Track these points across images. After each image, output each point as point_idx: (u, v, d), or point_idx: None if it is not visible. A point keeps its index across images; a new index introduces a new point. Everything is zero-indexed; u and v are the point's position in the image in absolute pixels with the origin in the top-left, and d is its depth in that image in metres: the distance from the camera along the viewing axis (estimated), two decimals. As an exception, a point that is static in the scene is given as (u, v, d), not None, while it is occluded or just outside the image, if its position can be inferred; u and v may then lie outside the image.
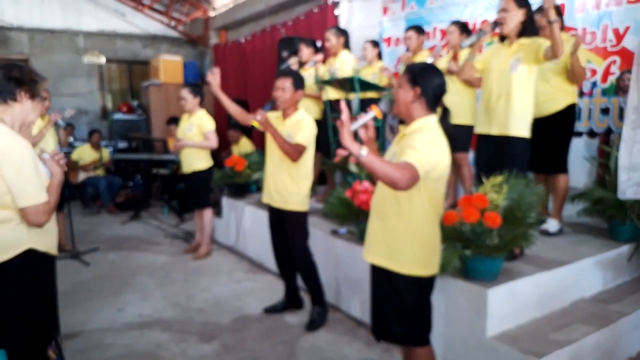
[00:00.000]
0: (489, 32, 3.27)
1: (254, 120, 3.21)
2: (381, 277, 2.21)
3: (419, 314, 2.19)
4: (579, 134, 4.27)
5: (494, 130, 3.24)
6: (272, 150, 3.36)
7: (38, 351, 2.13)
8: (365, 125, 2.14)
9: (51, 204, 2.07)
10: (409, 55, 4.59)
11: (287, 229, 3.43)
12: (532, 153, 3.40)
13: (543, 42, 3.02)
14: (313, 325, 3.42)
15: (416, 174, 1.88)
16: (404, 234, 2.10)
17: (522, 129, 3.16)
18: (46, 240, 2.12)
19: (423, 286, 2.18)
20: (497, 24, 3.20)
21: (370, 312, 2.33)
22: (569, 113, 3.60)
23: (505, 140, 3.18)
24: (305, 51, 5.14)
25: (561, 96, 3.57)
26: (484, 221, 2.63)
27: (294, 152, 3.19)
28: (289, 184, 3.31)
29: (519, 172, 2.90)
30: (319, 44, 5.34)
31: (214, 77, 3.43)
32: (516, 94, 3.12)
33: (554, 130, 3.58)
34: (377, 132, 2.42)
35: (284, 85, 3.25)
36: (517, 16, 3.12)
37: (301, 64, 5.18)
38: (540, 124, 3.53)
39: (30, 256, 2.04)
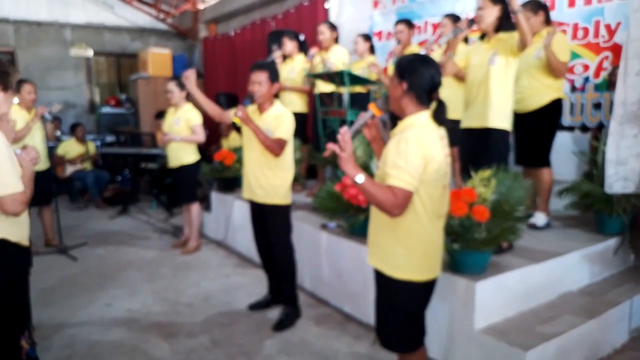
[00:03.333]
0: (465, 29, 3.36)
1: (235, 117, 3.15)
2: (378, 280, 2.15)
3: (411, 319, 2.11)
4: (571, 129, 4.29)
5: (474, 123, 3.29)
6: (251, 145, 3.30)
7: (11, 341, 2.13)
8: (368, 125, 2.13)
9: (27, 195, 2.07)
10: (400, 48, 4.59)
11: (270, 223, 3.38)
12: (518, 147, 3.43)
13: (517, 35, 3.07)
14: (281, 325, 3.35)
15: (406, 195, 1.88)
16: (395, 238, 2.02)
17: (501, 121, 3.21)
18: (18, 230, 2.12)
19: (417, 291, 2.08)
20: (473, 21, 3.28)
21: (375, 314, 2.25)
22: (554, 108, 3.62)
23: (485, 133, 3.23)
24: (289, 44, 5.12)
25: (546, 91, 3.59)
26: (472, 215, 2.64)
27: (276, 147, 3.16)
28: (271, 177, 3.27)
29: (499, 164, 2.92)
30: (302, 37, 5.31)
31: (188, 81, 3.39)
32: (494, 86, 3.17)
33: (538, 124, 3.61)
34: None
35: (260, 79, 3.19)
36: (493, 13, 3.19)
37: (285, 57, 5.15)
38: (525, 119, 3.61)
39: (2, 246, 2.04)
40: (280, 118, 3.22)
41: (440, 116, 2.04)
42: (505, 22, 3.19)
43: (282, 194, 3.31)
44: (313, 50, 5.00)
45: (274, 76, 3.26)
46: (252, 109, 3.31)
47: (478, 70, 3.26)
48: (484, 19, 3.22)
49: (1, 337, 2.09)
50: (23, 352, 2.17)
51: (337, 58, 4.86)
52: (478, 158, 3.11)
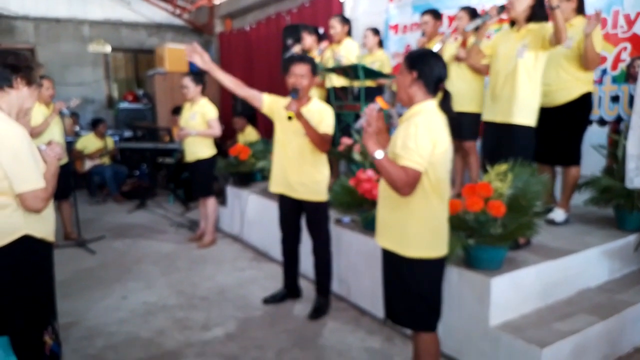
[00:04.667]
0: (495, 16, 3.21)
1: (289, 112, 3.00)
2: (389, 260, 2.24)
3: (425, 299, 2.19)
4: (589, 122, 4.20)
5: (498, 118, 3.19)
6: (288, 140, 3.25)
7: (35, 337, 2.14)
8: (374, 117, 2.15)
9: (49, 191, 2.07)
10: (424, 40, 4.52)
11: (311, 220, 3.39)
12: (542, 144, 3.31)
13: (550, 28, 2.94)
14: (317, 314, 3.41)
15: (416, 175, 2.01)
16: (406, 218, 2.12)
17: (526, 117, 3.10)
18: (43, 226, 2.13)
19: (431, 270, 2.18)
20: (503, 8, 3.14)
21: (382, 292, 2.35)
22: (584, 102, 3.46)
23: (508, 128, 3.13)
24: (308, 39, 5.10)
25: (576, 84, 3.43)
26: (488, 210, 2.60)
27: (325, 142, 3.14)
28: (315, 174, 3.26)
29: (522, 161, 2.85)
30: (321, 31, 5.29)
31: (194, 53, 3.12)
32: (521, 81, 3.05)
33: (568, 120, 3.46)
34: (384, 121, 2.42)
35: (302, 72, 3.14)
36: (525, 0, 3.05)
37: (304, 52, 5.14)
38: (552, 114, 3.45)
39: (27, 242, 2.05)
40: (323, 113, 3.20)
41: (447, 105, 2.16)
42: (539, 11, 3.04)
43: (324, 190, 3.32)
44: (323, 45, 4.99)
45: (315, 69, 3.22)
46: (285, 102, 3.12)
47: (505, 62, 3.13)
48: (515, 6, 3.07)
49: (25, 332, 2.11)
50: (47, 348, 2.18)
51: (348, 51, 4.84)
52: (500, 154, 3.01)
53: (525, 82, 3.06)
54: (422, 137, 2.00)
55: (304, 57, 3.30)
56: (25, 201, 2.00)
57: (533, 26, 3.07)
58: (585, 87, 3.46)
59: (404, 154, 2.00)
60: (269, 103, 3.29)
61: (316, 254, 3.45)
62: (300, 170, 3.25)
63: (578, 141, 3.56)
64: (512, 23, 3.23)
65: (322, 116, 3.18)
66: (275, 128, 3.37)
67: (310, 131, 3.08)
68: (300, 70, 3.14)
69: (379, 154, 2.01)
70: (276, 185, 3.41)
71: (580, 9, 3.50)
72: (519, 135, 3.12)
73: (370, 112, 2.07)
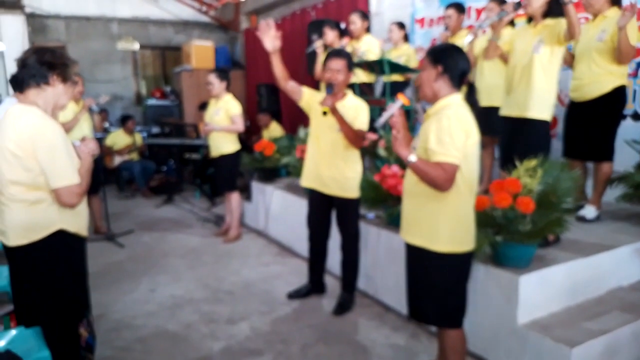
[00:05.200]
0: (511, 12, 3.22)
1: (324, 106, 3.01)
2: (416, 257, 2.23)
3: (452, 295, 2.19)
4: (623, 117, 4.06)
5: (514, 112, 3.19)
6: (322, 135, 3.24)
7: (70, 329, 2.19)
8: (396, 114, 2.14)
9: (83, 187, 2.11)
10: (448, 34, 4.46)
11: (342, 216, 3.39)
12: (573, 138, 3.26)
13: (565, 23, 2.92)
14: (341, 309, 3.41)
15: (454, 169, 2.00)
16: (438, 213, 2.12)
17: (541, 112, 3.08)
18: (77, 221, 2.17)
19: (459, 265, 2.18)
20: (519, 4, 3.14)
21: (406, 290, 2.34)
22: (617, 96, 3.37)
23: (523, 122, 3.12)
24: (330, 34, 5.09)
25: (608, 78, 3.34)
26: (517, 206, 2.55)
27: (359, 139, 3.13)
28: (346, 170, 3.25)
29: (537, 156, 2.79)
30: (342, 26, 5.26)
31: (267, 30, 3.08)
32: (537, 75, 3.05)
33: (600, 114, 3.38)
34: (408, 117, 2.41)
35: (339, 67, 3.12)
36: None
37: (326, 47, 5.13)
38: (584, 108, 3.39)
39: (61, 236, 2.09)
40: (358, 109, 3.18)
41: (472, 98, 2.16)
42: (555, 7, 3.02)
43: (355, 186, 3.31)
44: (344, 41, 4.96)
45: (351, 64, 3.21)
46: (321, 98, 3.13)
47: (522, 57, 3.14)
48: (531, 2, 3.08)
49: (61, 324, 2.16)
50: (82, 340, 2.24)
51: (369, 47, 4.80)
52: (516, 148, 3.01)
53: (541, 77, 3.05)
54: (455, 129, 2.00)
55: (341, 52, 3.26)
56: (61, 197, 2.04)
57: (549, 22, 3.06)
58: (619, 80, 3.36)
59: (439, 149, 2.00)
60: (307, 97, 3.29)
61: (345, 250, 3.45)
62: (332, 165, 3.24)
63: (611, 136, 3.46)
64: (530, 19, 3.22)
65: (358, 112, 3.16)
66: (311, 122, 3.36)
67: (345, 127, 3.06)
68: (336, 65, 3.12)
69: (412, 158, 2.01)
70: (307, 180, 3.42)
71: (615, 0, 3.39)
72: (534, 129, 3.11)
73: (396, 118, 2.07)
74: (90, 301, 2.41)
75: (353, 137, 3.09)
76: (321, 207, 3.43)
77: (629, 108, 4.03)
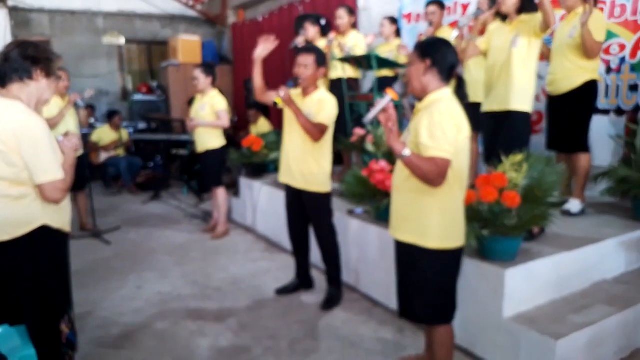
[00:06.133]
0: (487, 10, 3.28)
1: (277, 97, 3.11)
2: (406, 254, 2.22)
3: (443, 292, 2.19)
4: (606, 112, 4.12)
5: (495, 106, 3.24)
6: (292, 129, 3.28)
7: (52, 325, 2.17)
8: (385, 109, 2.13)
9: (67, 182, 2.09)
10: (432, 30, 4.49)
11: (309, 210, 3.40)
12: (551, 132, 3.33)
13: (540, 17, 2.97)
14: (329, 304, 3.42)
15: (446, 164, 1.99)
16: (428, 208, 2.11)
17: (522, 104, 3.14)
18: (60, 217, 2.15)
19: (450, 261, 2.18)
20: (494, 1, 3.19)
21: (396, 289, 2.34)
22: (588, 90, 3.46)
23: (505, 116, 3.17)
24: (311, 30, 5.08)
25: (578, 72, 3.44)
26: (503, 201, 2.57)
27: (317, 131, 3.14)
28: (312, 164, 3.26)
29: (519, 148, 2.83)
30: (323, 22, 5.24)
31: (266, 44, 3.26)
32: (516, 68, 3.10)
33: (572, 107, 3.47)
34: (396, 112, 2.40)
35: (306, 62, 3.17)
36: None
37: (307, 42, 5.11)
38: (557, 102, 3.50)
39: (44, 232, 2.07)
40: (323, 102, 3.20)
41: (462, 92, 2.17)
42: (528, 4, 3.11)
43: (320, 181, 3.30)
44: (331, 36, 4.95)
45: (321, 60, 3.23)
46: (297, 92, 3.29)
47: (500, 54, 3.19)
48: (505, 0, 3.15)
49: (42, 321, 2.14)
50: (63, 336, 2.21)
51: (355, 42, 4.80)
52: (499, 142, 3.07)
53: (520, 70, 3.11)
54: (447, 124, 2.00)
55: (311, 48, 3.33)
56: (45, 192, 2.02)
57: (524, 17, 3.13)
58: (589, 75, 3.46)
59: (432, 144, 1.99)
60: (277, 94, 3.31)
61: (320, 245, 3.47)
62: (300, 160, 3.27)
63: (583, 128, 3.55)
64: (504, 17, 3.27)
65: (322, 106, 3.18)
66: (284, 119, 3.39)
67: (301, 118, 3.11)
68: (305, 60, 3.18)
69: (407, 152, 1.99)
70: (282, 174, 3.45)
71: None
72: (516, 121, 3.16)
73: (389, 112, 2.05)
74: (72, 297, 2.38)
75: (310, 128, 3.12)
76: (295, 201, 3.45)
77: (613, 103, 4.09)
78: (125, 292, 3.79)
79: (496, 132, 3.22)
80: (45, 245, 2.09)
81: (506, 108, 3.16)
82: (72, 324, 2.28)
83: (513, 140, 2.99)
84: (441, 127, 1.98)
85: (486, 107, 3.36)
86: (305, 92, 3.25)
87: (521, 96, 3.13)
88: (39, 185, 2.01)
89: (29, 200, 2.03)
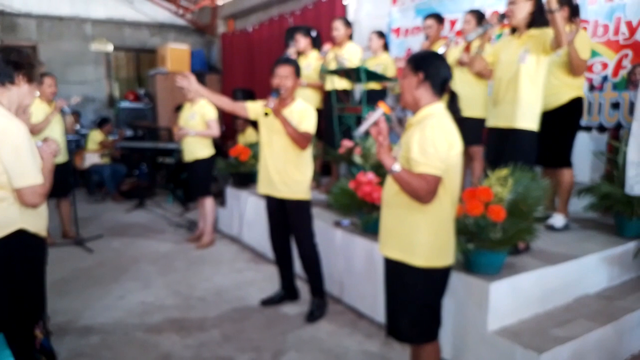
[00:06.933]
0: (496, 24, 3.24)
1: (266, 108, 3.12)
2: (394, 271, 2.18)
3: (428, 310, 2.16)
4: (588, 129, 4.20)
5: (501, 123, 3.19)
6: (272, 140, 3.29)
7: (26, 331, 2.15)
8: (377, 123, 2.12)
9: (46, 187, 2.10)
10: (428, 44, 4.54)
11: (293, 218, 3.39)
12: (538, 147, 3.36)
13: (551, 33, 2.94)
14: (312, 316, 3.41)
15: (436, 181, 1.97)
16: (418, 225, 2.06)
17: (529, 122, 3.10)
18: (37, 221, 2.14)
19: (437, 280, 2.14)
20: (504, 16, 3.16)
21: (385, 307, 2.30)
22: (574, 107, 3.53)
23: (511, 133, 3.13)
24: (302, 41, 5.10)
25: (565, 89, 3.51)
26: (488, 214, 2.59)
27: (303, 140, 3.17)
28: (295, 173, 3.28)
29: (525, 165, 2.84)
30: (314, 33, 5.28)
31: (189, 83, 3.22)
32: (524, 85, 3.06)
33: (558, 123, 3.52)
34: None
35: (286, 73, 3.21)
36: (525, 7, 3.06)
37: (298, 54, 5.14)
38: (544, 118, 3.51)
39: (21, 236, 2.07)
40: (304, 112, 3.24)
41: (454, 106, 2.13)
42: (538, 18, 3.06)
43: (305, 189, 3.33)
44: (326, 47, 4.97)
45: (298, 71, 3.28)
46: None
47: (507, 68, 3.14)
48: (515, 14, 3.09)
49: (16, 326, 2.12)
50: (37, 342, 2.19)
51: (351, 55, 4.84)
52: (502, 158, 3.02)
53: (528, 87, 3.07)
54: (439, 140, 1.97)
55: (288, 60, 3.37)
56: (23, 196, 2.02)
57: (534, 32, 3.08)
58: (575, 92, 3.53)
59: (423, 160, 1.95)
60: (253, 108, 3.38)
61: (301, 254, 3.46)
62: (282, 169, 3.28)
63: (569, 144, 3.61)
64: (513, 30, 3.24)
65: (303, 116, 3.22)
66: (260, 130, 3.41)
67: (288, 127, 3.13)
68: (284, 72, 3.21)
69: (396, 167, 1.97)
70: (262, 186, 3.44)
71: (571, 17, 3.53)
72: (521, 139, 3.12)
73: (381, 125, 2.02)
74: (47, 303, 2.35)
75: (297, 137, 3.15)
76: (277, 212, 3.45)
77: (595, 120, 4.17)
78: (107, 302, 3.73)
79: (500, 149, 3.18)
80: (21, 249, 2.08)
81: (512, 125, 3.11)
82: (46, 329, 2.26)
83: (518, 158, 2.92)
84: (433, 143, 1.95)
85: (491, 123, 3.32)
86: (284, 104, 3.25)
87: (528, 114, 3.08)
88: (17, 190, 2.01)
89: (6, 203, 2.02)
